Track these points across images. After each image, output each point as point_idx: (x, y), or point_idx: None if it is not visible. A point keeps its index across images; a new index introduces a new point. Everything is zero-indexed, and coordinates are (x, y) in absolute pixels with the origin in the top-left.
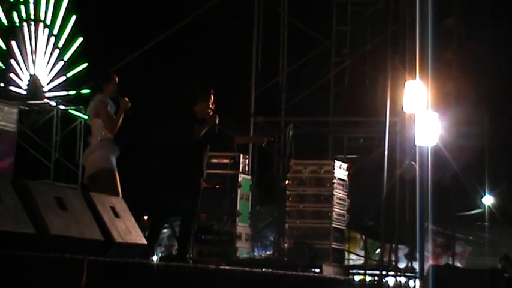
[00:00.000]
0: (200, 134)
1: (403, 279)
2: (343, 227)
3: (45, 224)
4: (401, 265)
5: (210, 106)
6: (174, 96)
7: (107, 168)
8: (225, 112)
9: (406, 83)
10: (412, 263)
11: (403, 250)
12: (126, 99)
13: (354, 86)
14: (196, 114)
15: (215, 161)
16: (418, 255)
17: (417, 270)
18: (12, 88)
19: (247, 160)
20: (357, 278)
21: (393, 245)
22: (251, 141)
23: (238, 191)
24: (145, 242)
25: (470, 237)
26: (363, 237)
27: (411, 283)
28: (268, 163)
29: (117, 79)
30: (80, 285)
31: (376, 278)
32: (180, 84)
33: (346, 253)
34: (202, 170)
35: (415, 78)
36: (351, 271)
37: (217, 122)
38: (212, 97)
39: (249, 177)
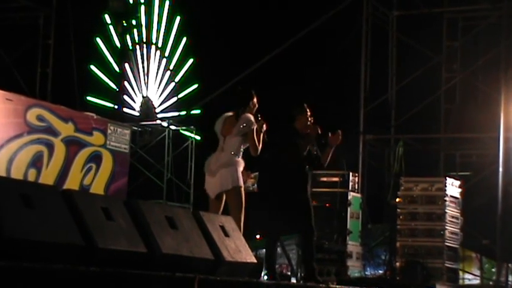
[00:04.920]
0: (306, 149)
1: None
2: (457, 246)
3: (157, 243)
4: None
5: (309, 119)
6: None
7: (240, 186)
8: (334, 130)
9: None
10: None
11: None
12: (264, 123)
13: (466, 101)
14: (298, 130)
15: (324, 179)
16: None
17: None
18: (125, 110)
19: (356, 178)
20: None
21: (510, 265)
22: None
23: (348, 209)
24: (255, 260)
25: None
26: (478, 256)
27: None
28: (378, 181)
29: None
30: None
31: None
32: (289, 104)
33: (460, 272)
34: (307, 187)
35: None
36: None
37: (319, 132)
38: (308, 110)
39: (358, 195)
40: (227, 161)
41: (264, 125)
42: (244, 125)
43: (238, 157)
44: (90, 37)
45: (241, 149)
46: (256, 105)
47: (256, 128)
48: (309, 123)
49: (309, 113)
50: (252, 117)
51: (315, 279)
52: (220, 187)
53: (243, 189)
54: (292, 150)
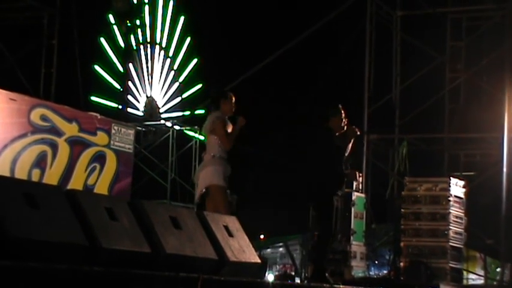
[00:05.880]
0: (347, 150)
1: None
2: (461, 246)
3: (161, 243)
4: None
5: (343, 120)
6: (299, 114)
7: (218, 185)
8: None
9: None
10: None
11: None
12: (242, 117)
13: (470, 101)
14: (332, 131)
15: None
16: None
17: None
18: (129, 110)
19: (360, 178)
20: None
21: None
22: None
23: (352, 209)
24: (259, 260)
25: None
26: (482, 256)
27: None
28: (382, 181)
29: (234, 98)
30: None
31: None
32: (293, 102)
33: (464, 272)
34: (337, 190)
35: None
36: None
37: (358, 134)
38: (343, 111)
39: (362, 195)
40: (205, 162)
41: (244, 122)
42: (212, 122)
43: (219, 157)
44: (94, 37)
45: (220, 147)
46: (232, 104)
47: (223, 122)
48: (343, 125)
49: (343, 115)
50: (219, 114)
51: (325, 279)
52: (199, 189)
53: (221, 188)
54: (331, 152)
